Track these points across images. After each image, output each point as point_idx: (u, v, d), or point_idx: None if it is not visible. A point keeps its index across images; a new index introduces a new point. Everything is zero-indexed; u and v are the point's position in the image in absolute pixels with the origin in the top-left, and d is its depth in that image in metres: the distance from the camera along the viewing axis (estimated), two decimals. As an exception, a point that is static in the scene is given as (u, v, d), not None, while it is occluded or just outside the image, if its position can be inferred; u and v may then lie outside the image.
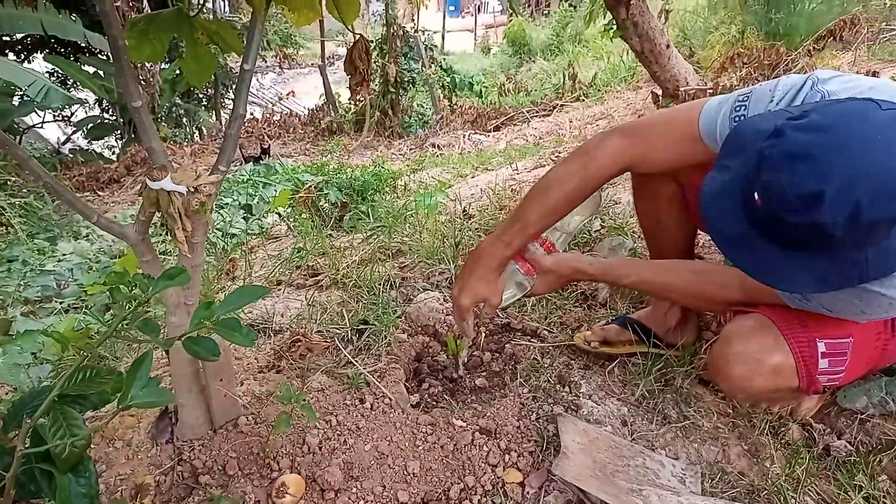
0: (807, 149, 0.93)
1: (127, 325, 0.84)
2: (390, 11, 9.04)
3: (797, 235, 0.97)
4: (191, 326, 0.81)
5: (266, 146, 7.68)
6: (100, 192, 7.50)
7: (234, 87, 10.02)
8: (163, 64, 9.28)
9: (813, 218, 0.92)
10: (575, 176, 1.39)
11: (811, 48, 4.57)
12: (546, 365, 1.78)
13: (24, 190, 5.36)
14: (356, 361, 1.77)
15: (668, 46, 3.83)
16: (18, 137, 9.57)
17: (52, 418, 0.84)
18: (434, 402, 1.69)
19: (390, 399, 1.63)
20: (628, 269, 1.59)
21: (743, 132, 1.06)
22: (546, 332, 1.94)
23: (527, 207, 1.43)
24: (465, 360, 1.77)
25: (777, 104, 1.17)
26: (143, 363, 0.76)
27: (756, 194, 0.98)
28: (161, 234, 3.40)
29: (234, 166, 6.45)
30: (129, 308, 0.85)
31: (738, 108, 1.22)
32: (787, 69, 4.39)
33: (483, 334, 1.94)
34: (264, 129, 9.75)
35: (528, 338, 1.93)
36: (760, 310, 1.36)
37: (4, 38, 10.01)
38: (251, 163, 6.70)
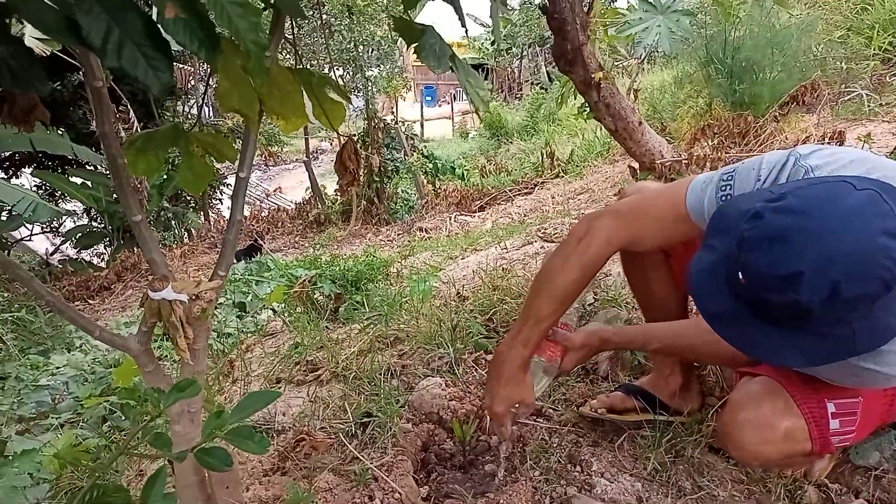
0: (784, 231, 0.97)
1: (137, 440, 0.84)
2: (370, 106, 9.38)
3: (780, 313, 0.99)
4: (203, 437, 0.81)
5: (256, 239, 7.80)
6: (90, 301, 7.48)
7: (220, 187, 10.21)
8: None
9: (792, 297, 0.95)
10: (575, 264, 1.41)
11: (777, 114, 4.78)
12: (555, 444, 1.76)
13: (16, 305, 5.35)
14: (362, 456, 1.74)
15: (640, 123, 3.97)
16: (7, 251, 9.62)
17: (60, 543, 0.83)
18: (445, 494, 1.65)
19: (400, 494, 1.60)
20: (650, 336, 1.63)
21: (727, 213, 1.10)
22: (551, 411, 1.93)
23: (536, 304, 1.45)
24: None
25: (763, 182, 1.21)
26: (158, 480, 0.76)
27: (740, 273, 1.01)
28: (157, 340, 3.38)
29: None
30: (139, 423, 0.85)
31: (723, 188, 1.26)
32: (756, 136, 4.57)
33: (488, 417, 1.92)
34: (253, 225, 9.87)
35: (534, 417, 1.91)
36: (768, 372, 1.37)
37: (-7, 157, 10.25)
38: (242, 261, 6.76)
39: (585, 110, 4.48)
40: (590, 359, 1.72)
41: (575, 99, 5.09)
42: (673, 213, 1.34)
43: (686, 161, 4.01)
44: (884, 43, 5.42)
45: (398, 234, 8.16)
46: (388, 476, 1.65)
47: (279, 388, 2.35)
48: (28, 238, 10.86)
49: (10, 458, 2.14)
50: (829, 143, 3.98)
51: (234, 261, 7.09)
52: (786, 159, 1.21)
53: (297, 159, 18.82)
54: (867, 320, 0.97)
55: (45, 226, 10.76)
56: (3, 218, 8.55)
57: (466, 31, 1.47)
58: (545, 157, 8.43)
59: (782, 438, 1.29)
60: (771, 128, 4.66)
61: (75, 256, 10.31)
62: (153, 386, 1.23)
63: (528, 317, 1.45)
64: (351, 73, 10.24)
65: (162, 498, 0.75)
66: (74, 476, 1.99)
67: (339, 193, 9.64)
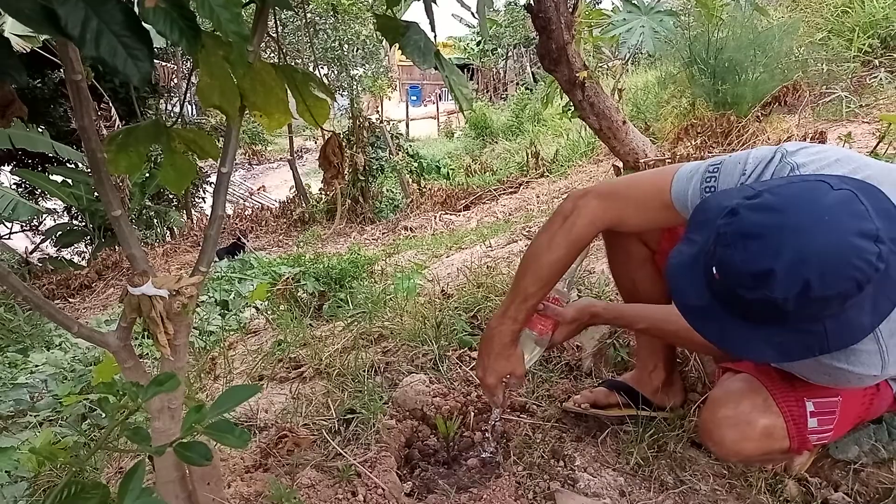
0: (758, 228, 0.97)
1: (115, 435, 0.83)
2: (355, 105, 9.36)
3: (752, 309, 1.00)
4: (182, 431, 0.80)
5: (239, 238, 7.77)
6: (70, 300, 7.39)
7: (203, 185, 10.13)
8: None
9: (765, 294, 0.96)
10: (561, 243, 1.43)
11: (759, 114, 4.83)
12: (538, 440, 1.76)
13: (-7, 303, 5.26)
14: (345, 453, 1.74)
15: (624, 122, 3.99)
16: (-15, 250, 9.48)
17: (37, 539, 0.82)
18: (428, 489, 1.65)
19: (383, 489, 1.59)
20: (639, 315, 1.64)
21: (708, 207, 1.10)
22: (535, 407, 1.93)
23: (523, 281, 1.48)
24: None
25: (748, 178, 1.21)
26: (135, 474, 0.75)
27: (714, 269, 1.02)
28: (138, 338, 3.34)
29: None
30: (117, 418, 0.84)
31: (708, 180, 1.26)
32: (739, 135, 4.61)
33: (472, 413, 1.93)
34: (237, 224, 9.79)
35: (518, 413, 1.92)
36: (748, 369, 1.38)
37: (-29, 154, 10.08)
38: (224, 258, 6.71)
39: (570, 109, 4.50)
40: (580, 332, 1.74)
41: (560, 99, 5.10)
42: (658, 200, 1.35)
43: (669, 160, 4.04)
44: (863, 45, 5.51)
45: (383, 233, 8.15)
46: (371, 472, 1.64)
47: (262, 385, 2.33)
48: (7, 237, 10.70)
49: (-12, 456, 2.11)
50: (811, 141, 4.03)
51: (217, 258, 7.05)
52: (772, 155, 1.21)
53: (281, 158, 18.70)
54: (839, 319, 0.98)
55: (24, 224, 10.60)
56: (-19, 217, 8.41)
57: (436, 36, 1.46)
58: (530, 156, 8.46)
59: (760, 436, 1.30)
60: (753, 128, 4.71)
61: (55, 255, 10.17)
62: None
63: (517, 294, 1.49)
64: (336, 72, 10.20)
65: (140, 492, 0.74)
66: (53, 474, 1.96)
67: (323, 192, 9.59)
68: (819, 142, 3.97)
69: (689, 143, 4.85)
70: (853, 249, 0.93)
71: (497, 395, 1.58)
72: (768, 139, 4.50)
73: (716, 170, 1.27)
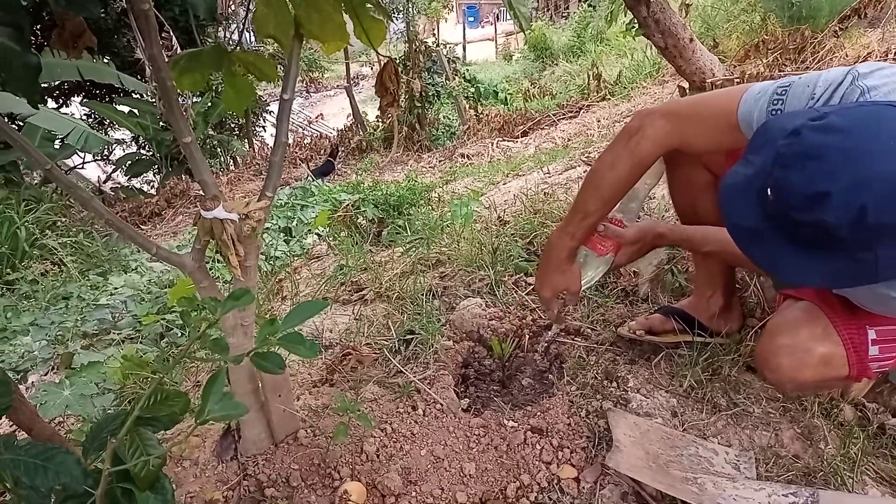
0: (819, 150, 0.94)
1: (196, 346, 0.91)
2: (411, 28, 9.17)
3: (805, 232, 0.97)
4: (257, 342, 0.87)
5: (333, 150, 8.08)
6: (142, 227, 7.74)
7: (263, 115, 10.22)
8: (194, 97, 9.58)
9: (818, 217, 0.93)
10: (624, 162, 1.42)
11: (836, 29, 4.48)
12: (592, 362, 1.80)
13: (73, 229, 5.57)
14: (406, 370, 1.82)
15: (691, 40, 3.80)
16: (63, 179, 9.91)
17: (129, 440, 0.91)
18: (484, 405, 1.73)
19: (441, 404, 1.67)
20: (706, 237, 1.62)
21: (770, 128, 1.06)
22: (589, 330, 1.97)
23: (584, 198, 1.49)
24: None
25: (818, 101, 1.16)
26: (218, 379, 0.82)
27: (769, 190, 0.99)
28: (209, 261, 3.51)
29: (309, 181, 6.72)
30: (196, 331, 0.91)
31: (775, 102, 1.21)
32: (814, 52, 4.31)
33: (527, 336, 1.98)
34: (296, 152, 9.93)
35: (573, 337, 1.95)
36: (809, 297, 1.36)
37: (43, 85, 10.44)
38: (323, 176, 6.92)
39: (634, 27, 4.31)
40: (645, 253, 1.73)
41: (624, 16, 4.88)
42: (725, 121, 1.31)
43: (738, 80, 3.85)
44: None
45: (439, 161, 8.12)
46: (430, 388, 1.73)
47: (326, 306, 2.44)
48: (81, 166, 11.19)
49: (78, 369, 2.31)
50: (894, 59, 3.75)
51: (313, 178, 7.21)
52: (843, 78, 1.14)
53: (337, 85, 18.67)
54: (893, 248, 0.94)
55: (96, 154, 11.03)
56: (57, 146, 8.79)
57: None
58: (591, 78, 8.15)
59: (818, 363, 1.29)
60: (830, 43, 4.39)
61: (126, 184, 10.60)
62: (208, 299, 1.30)
63: (577, 210, 1.50)
64: (391, -7, 9.96)
65: (221, 395, 0.81)
66: (136, 386, 2.14)
67: (379, 119, 9.57)
68: (904, 58, 3.70)
69: (759, 62, 4.57)
70: None
71: (552, 308, 1.61)
72: (846, 56, 4.20)
73: (784, 91, 1.21)
